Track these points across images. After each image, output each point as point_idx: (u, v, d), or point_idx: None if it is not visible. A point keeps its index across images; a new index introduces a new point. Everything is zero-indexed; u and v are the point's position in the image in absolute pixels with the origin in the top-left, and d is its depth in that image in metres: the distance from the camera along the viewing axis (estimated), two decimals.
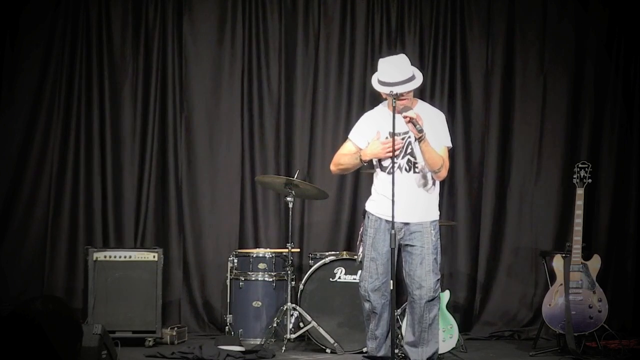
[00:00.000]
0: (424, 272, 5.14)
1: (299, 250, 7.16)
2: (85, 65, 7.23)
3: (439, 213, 5.38)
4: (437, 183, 5.32)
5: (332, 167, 5.52)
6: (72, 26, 7.23)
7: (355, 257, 5.58)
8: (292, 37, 7.38)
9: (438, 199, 5.38)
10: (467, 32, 7.38)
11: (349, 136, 5.46)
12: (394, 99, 4.99)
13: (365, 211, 5.38)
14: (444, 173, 5.22)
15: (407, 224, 5.14)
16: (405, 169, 5.16)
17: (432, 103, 7.14)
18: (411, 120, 4.99)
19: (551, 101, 7.39)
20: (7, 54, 7.16)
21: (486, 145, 7.37)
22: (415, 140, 5.08)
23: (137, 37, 7.30)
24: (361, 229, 5.44)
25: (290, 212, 6.50)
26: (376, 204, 5.26)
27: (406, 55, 5.46)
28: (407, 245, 5.17)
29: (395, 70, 5.13)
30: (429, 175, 5.22)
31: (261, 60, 7.36)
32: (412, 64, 5.29)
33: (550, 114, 7.38)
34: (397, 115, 5.04)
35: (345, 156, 5.37)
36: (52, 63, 7.21)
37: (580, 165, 6.38)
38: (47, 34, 7.20)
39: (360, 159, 5.23)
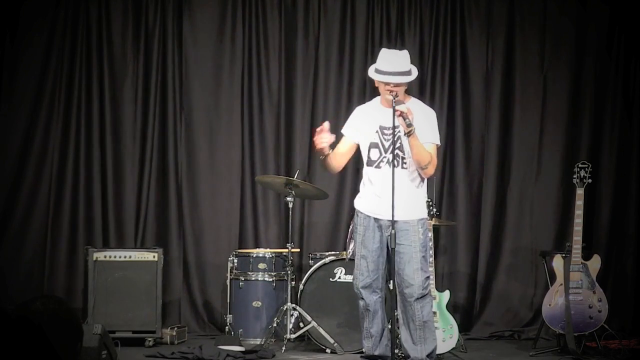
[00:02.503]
0: (411, 270, 5.15)
1: (299, 250, 7.16)
2: (85, 64, 7.23)
3: (427, 211, 5.38)
4: (425, 181, 5.32)
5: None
6: (72, 25, 7.23)
7: (346, 254, 5.62)
8: (292, 37, 7.38)
9: (425, 198, 5.38)
10: (467, 32, 7.39)
11: (343, 131, 5.46)
12: (394, 97, 5.00)
13: (354, 209, 5.41)
14: (431, 170, 5.22)
15: (395, 221, 5.14)
16: (394, 164, 5.15)
17: (432, 103, 7.17)
18: (402, 114, 5.00)
19: (551, 101, 7.39)
20: (7, 53, 7.15)
21: (486, 145, 7.37)
22: (404, 135, 5.08)
23: (137, 37, 7.30)
24: (351, 226, 5.46)
25: (290, 212, 6.50)
26: (363, 202, 5.31)
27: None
28: (395, 243, 5.16)
29: (393, 61, 5.18)
30: (416, 172, 5.22)
31: (261, 60, 7.36)
32: (412, 63, 5.30)
33: (550, 113, 7.39)
34: (388, 110, 5.05)
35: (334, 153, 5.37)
36: (52, 62, 7.21)
37: (580, 165, 6.38)
38: (47, 34, 7.20)
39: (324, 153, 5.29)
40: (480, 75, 7.39)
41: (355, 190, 7.15)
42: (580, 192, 6.32)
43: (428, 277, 5.24)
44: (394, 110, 4.98)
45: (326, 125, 5.24)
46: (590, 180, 6.35)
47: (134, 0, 7.30)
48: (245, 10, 7.34)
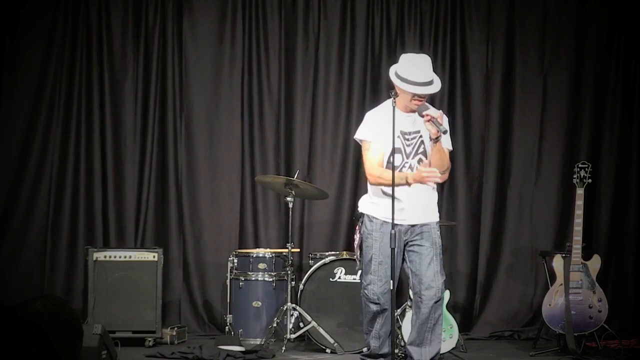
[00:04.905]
0: (432, 272, 5.07)
1: (299, 250, 7.16)
2: (85, 65, 7.23)
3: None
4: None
5: (372, 180, 5.15)
6: (72, 26, 7.23)
7: (355, 259, 5.52)
8: (292, 37, 7.38)
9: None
10: (467, 32, 7.39)
11: (366, 138, 5.16)
12: (394, 97, 4.95)
13: (362, 214, 5.23)
14: (446, 176, 5.18)
15: (413, 225, 5.11)
16: (417, 169, 5.11)
17: (432, 103, 7.17)
18: (432, 119, 4.94)
19: (551, 101, 7.39)
20: (7, 53, 7.15)
21: (486, 145, 7.37)
22: (431, 140, 5.03)
23: (137, 37, 7.30)
24: (358, 232, 5.29)
25: (290, 212, 6.50)
26: (380, 207, 5.11)
27: None
28: (414, 245, 5.09)
29: (417, 70, 5.03)
30: None
31: (261, 60, 7.36)
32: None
33: (550, 113, 7.39)
34: (411, 115, 5.02)
35: (387, 172, 4.99)
36: (52, 63, 7.21)
37: (580, 165, 6.38)
38: (47, 34, 7.20)
39: (407, 182, 5.00)
40: (480, 75, 7.39)
41: (356, 191, 7.20)
42: (580, 192, 6.33)
43: (445, 280, 5.19)
44: (394, 112, 4.92)
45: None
46: (590, 180, 6.35)
47: (134, 1, 7.30)
48: (245, 11, 7.34)
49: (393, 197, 4.84)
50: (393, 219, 4.84)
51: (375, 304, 5.12)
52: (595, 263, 6.36)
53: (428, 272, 5.07)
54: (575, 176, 6.36)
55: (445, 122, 5.13)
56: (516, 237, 7.35)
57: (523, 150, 7.38)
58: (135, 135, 7.29)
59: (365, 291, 5.15)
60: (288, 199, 6.43)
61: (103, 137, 7.24)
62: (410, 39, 7.36)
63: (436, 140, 4.96)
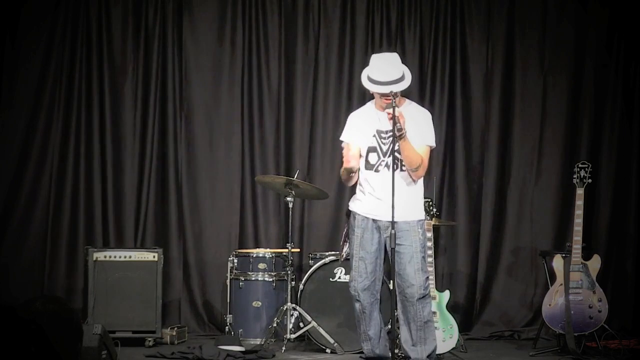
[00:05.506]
0: (413, 270, 5.16)
1: (299, 250, 7.16)
2: (85, 65, 7.24)
3: (424, 213, 5.40)
4: (421, 182, 5.33)
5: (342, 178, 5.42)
6: (72, 26, 7.23)
7: (340, 256, 5.63)
8: (292, 37, 7.38)
9: (423, 199, 5.39)
10: (467, 32, 7.39)
11: (345, 139, 5.38)
12: (393, 98, 5.01)
13: (349, 211, 5.40)
14: (421, 172, 5.23)
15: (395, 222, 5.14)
16: (394, 167, 5.15)
17: (432, 103, 7.19)
18: (393, 118, 5.01)
19: (551, 101, 7.39)
20: (7, 54, 7.16)
21: (486, 145, 7.37)
22: (396, 138, 5.09)
23: (137, 37, 7.30)
24: (345, 229, 5.47)
25: (290, 212, 6.50)
26: (362, 204, 5.29)
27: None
28: (395, 244, 5.16)
29: (387, 69, 5.16)
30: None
31: (261, 60, 7.36)
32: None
33: (550, 114, 7.39)
34: (383, 113, 5.09)
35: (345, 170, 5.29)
36: (52, 63, 7.21)
37: (580, 165, 6.38)
38: (47, 34, 7.21)
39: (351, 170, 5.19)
40: (481, 75, 7.39)
41: (355, 191, 7.19)
42: (580, 192, 6.33)
43: (428, 278, 5.27)
44: (394, 115, 4.99)
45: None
46: (590, 180, 6.35)
47: (134, 1, 7.30)
48: (245, 11, 7.34)
49: (393, 196, 4.89)
50: (393, 217, 4.90)
51: (357, 300, 5.22)
52: (595, 263, 6.36)
53: (408, 270, 5.16)
54: (575, 176, 6.36)
55: (421, 118, 5.27)
56: (516, 237, 7.35)
57: (523, 151, 7.38)
58: (135, 135, 7.29)
59: (349, 288, 5.25)
60: (288, 199, 6.43)
61: (103, 137, 7.24)
62: (410, 40, 7.35)
63: (399, 137, 5.02)
